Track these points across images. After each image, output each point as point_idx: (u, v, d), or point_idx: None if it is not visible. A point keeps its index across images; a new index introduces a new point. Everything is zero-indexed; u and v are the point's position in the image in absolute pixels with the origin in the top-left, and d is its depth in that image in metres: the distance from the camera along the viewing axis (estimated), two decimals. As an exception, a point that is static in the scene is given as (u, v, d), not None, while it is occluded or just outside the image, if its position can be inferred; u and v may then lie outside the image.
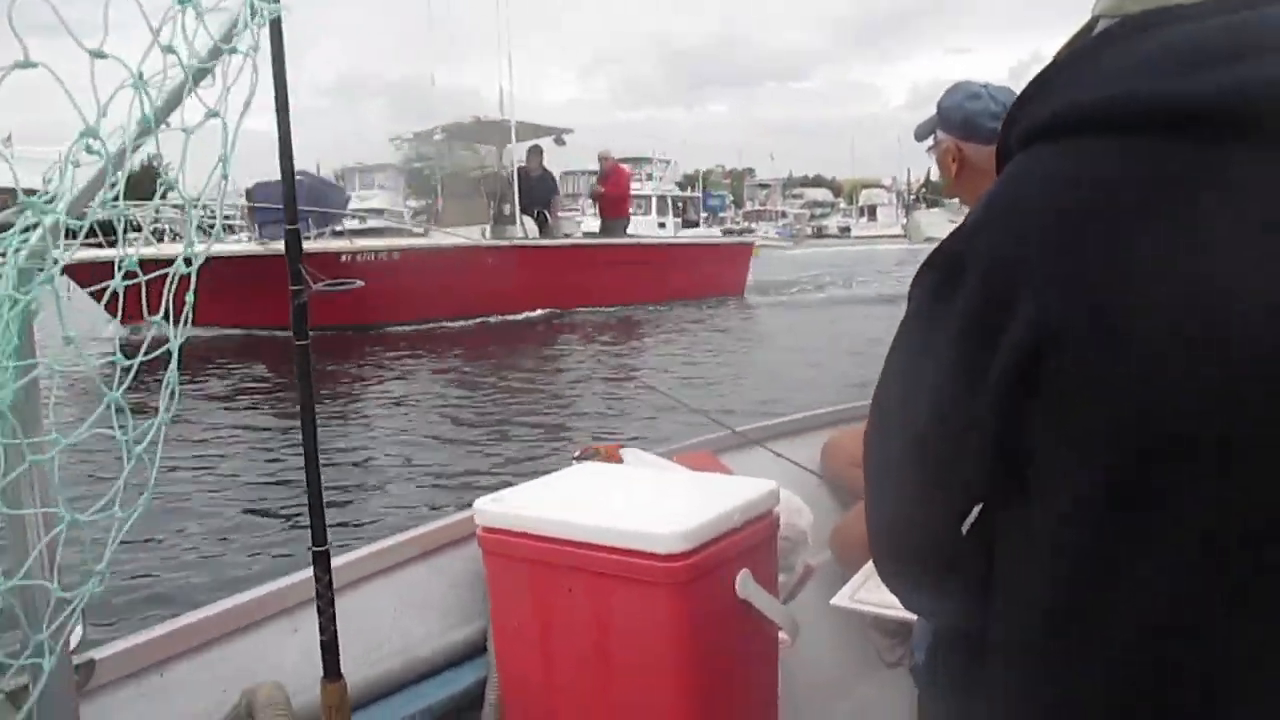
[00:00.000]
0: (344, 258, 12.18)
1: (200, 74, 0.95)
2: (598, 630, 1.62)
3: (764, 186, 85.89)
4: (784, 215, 73.18)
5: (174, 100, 0.96)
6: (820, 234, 66.41)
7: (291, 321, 1.41)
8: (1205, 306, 0.67)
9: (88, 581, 1.05)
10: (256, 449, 6.63)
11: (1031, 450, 0.73)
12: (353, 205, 20.69)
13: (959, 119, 2.01)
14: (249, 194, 13.81)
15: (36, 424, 1.01)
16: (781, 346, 12.28)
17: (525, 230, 15.22)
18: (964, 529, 0.84)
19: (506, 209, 15.19)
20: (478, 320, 14.20)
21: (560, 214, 17.06)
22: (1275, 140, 0.69)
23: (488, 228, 14.90)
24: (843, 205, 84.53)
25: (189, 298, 1.03)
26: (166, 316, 1.01)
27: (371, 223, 16.21)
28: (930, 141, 2.10)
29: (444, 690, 1.83)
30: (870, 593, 1.92)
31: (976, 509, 0.84)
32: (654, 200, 27.84)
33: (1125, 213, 0.70)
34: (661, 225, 25.91)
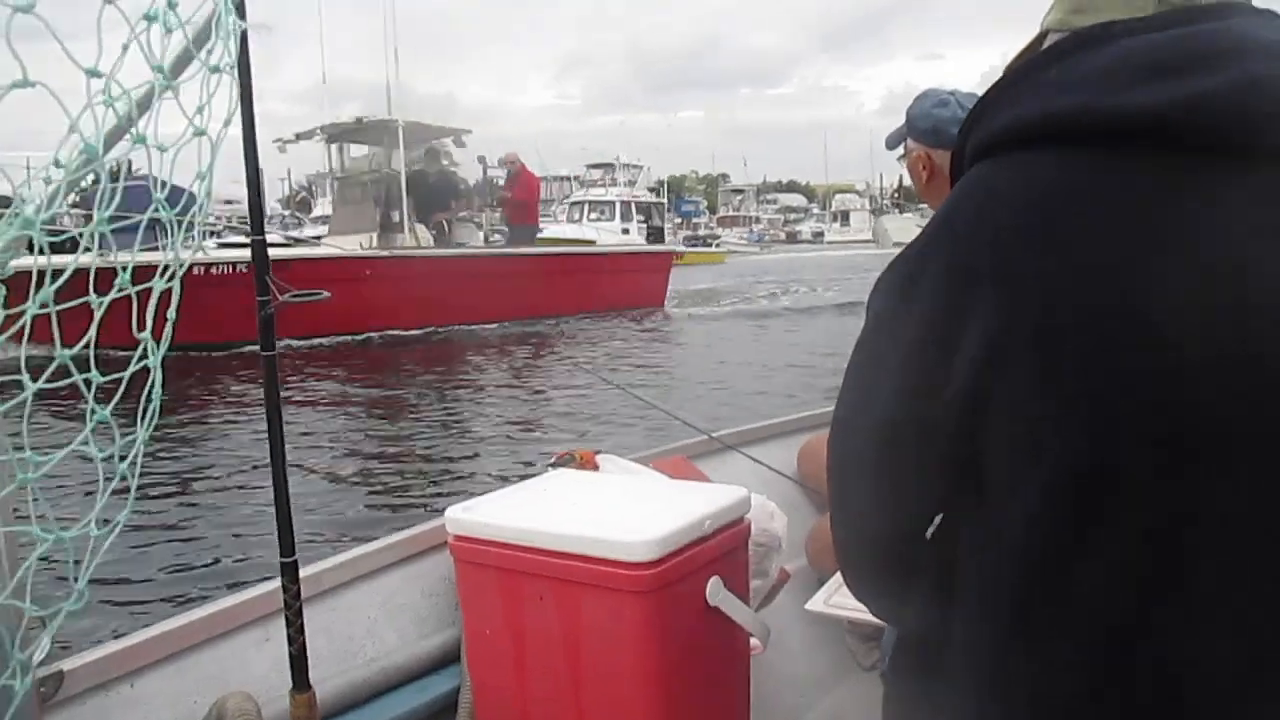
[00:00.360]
0: (196, 270, 10.89)
1: (165, 89, 0.95)
2: (569, 638, 1.63)
3: (737, 192, 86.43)
4: (757, 221, 73.73)
5: (142, 108, 0.96)
6: (793, 239, 66.67)
7: (259, 333, 1.41)
8: (1146, 316, 0.69)
9: (67, 599, 1.05)
10: (217, 460, 6.59)
11: (989, 454, 0.75)
12: (318, 213, 20.20)
13: (928, 126, 2.03)
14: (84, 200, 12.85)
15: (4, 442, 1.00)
16: (704, 361, 11.53)
17: (417, 238, 14.01)
18: (927, 534, 0.85)
19: (395, 216, 13.97)
20: (361, 337, 13.11)
21: (470, 220, 15.84)
22: (1217, 150, 0.71)
23: (374, 236, 13.70)
24: (816, 210, 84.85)
25: (171, 314, 1.03)
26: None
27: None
28: (901, 150, 2.12)
29: (417, 699, 1.83)
30: (845, 597, 1.92)
31: (939, 517, 0.85)
32: (616, 206, 26.58)
33: (1072, 224, 0.72)
34: (625, 232, 24.58)
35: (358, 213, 14.25)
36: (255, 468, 6.09)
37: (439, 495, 5.68)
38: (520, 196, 15.87)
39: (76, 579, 1.04)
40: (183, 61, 0.91)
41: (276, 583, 1.75)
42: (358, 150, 15.91)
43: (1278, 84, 0.70)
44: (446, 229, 14.78)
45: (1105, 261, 0.70)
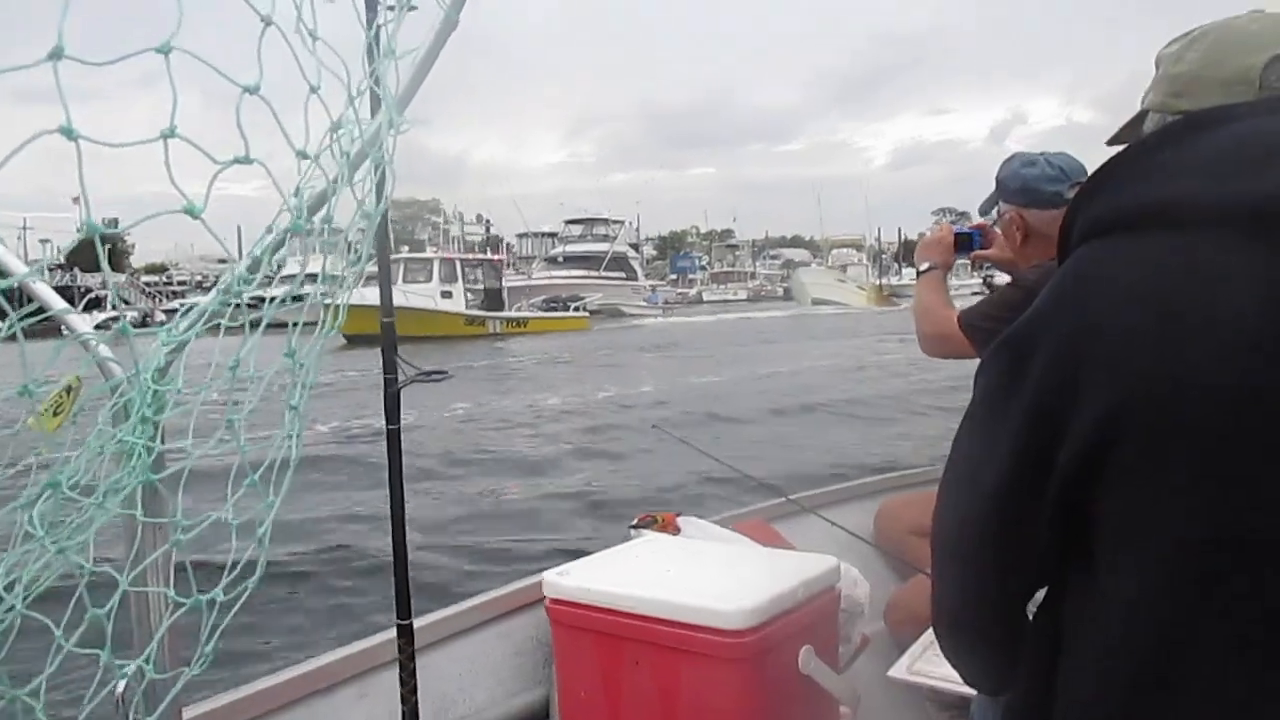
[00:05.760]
0: None
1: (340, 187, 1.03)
2: (664, 702, 1.66)
3: (732, 248, 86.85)
4: (753, 277, 74.55)
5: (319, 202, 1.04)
6: (790, 295, 66.78)
7: (385, 407, 1.49)
8: (1268, 395, 0.71)
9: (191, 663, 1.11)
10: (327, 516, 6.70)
11: (1100, 529, 0.78)
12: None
13: (1017, 186, 2.05)
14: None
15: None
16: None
17: None
18: (1031, 604, 0.88)
19: None
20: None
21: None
22: None
23: None
24: (817, 265, 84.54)
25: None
26: None
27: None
28: (994, 216, 2.16)
29: None
30: (929, 664, 1.92)
31: (1042, 592, 0.88)
32: (435, 265, 22.53)
33: (1183, 307, 0.74)
34: (446, 295, 21.31)
35: None
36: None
37: (525, 557, 5.66)
38: None
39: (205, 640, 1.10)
40: (356, 161, 0.99)
41: (374, 639, 1.81)
42: None
43: None
44: None
45: (1225, 346, 0.72)
